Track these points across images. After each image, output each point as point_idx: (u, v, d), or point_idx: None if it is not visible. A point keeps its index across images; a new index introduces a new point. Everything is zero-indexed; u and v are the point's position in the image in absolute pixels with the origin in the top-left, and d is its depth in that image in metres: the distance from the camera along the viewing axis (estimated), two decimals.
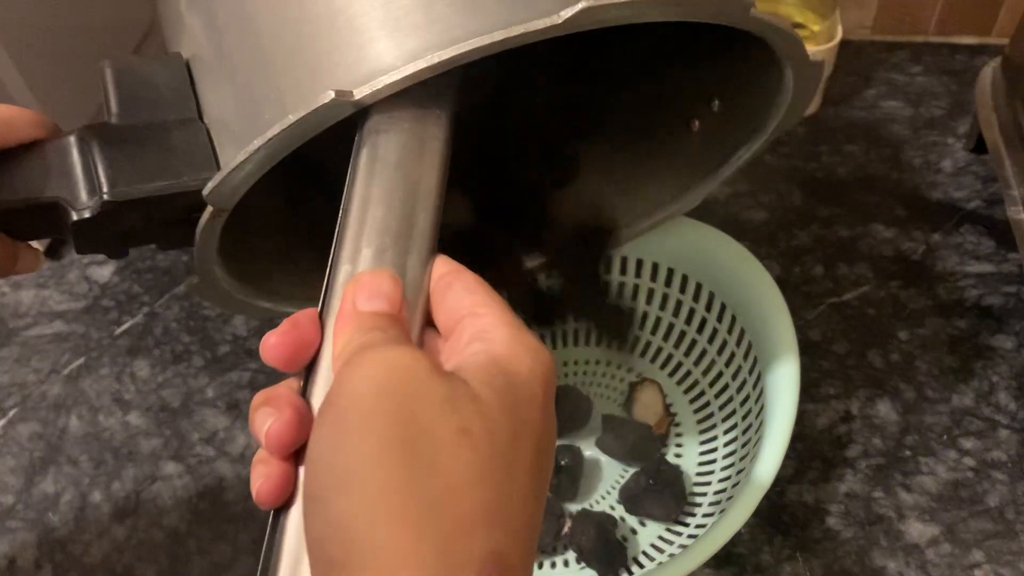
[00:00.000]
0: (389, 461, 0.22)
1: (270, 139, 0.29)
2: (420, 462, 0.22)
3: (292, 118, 0.28)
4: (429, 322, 0.28)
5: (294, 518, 0.25)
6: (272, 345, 0.27)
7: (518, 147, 0.48)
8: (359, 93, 0.28)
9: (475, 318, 0.26)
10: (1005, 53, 0.61)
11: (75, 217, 0.32)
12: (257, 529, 0.52)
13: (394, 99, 0.29)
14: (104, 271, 0.65)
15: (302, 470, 0.25)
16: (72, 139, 0.32)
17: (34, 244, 0.37)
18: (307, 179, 0.40)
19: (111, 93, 0.33)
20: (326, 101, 0.28)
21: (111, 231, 0.33)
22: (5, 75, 0.58)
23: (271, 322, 0.60)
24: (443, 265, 0.28)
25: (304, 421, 0.25)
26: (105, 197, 0.31)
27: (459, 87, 0.32)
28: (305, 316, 0.27)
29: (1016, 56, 0.59)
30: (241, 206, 0.33)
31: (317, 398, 0.26)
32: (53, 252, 0.66)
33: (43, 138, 0.33)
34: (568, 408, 0.53)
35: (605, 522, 0.48)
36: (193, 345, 0.60)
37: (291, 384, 0.27)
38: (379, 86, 0.28)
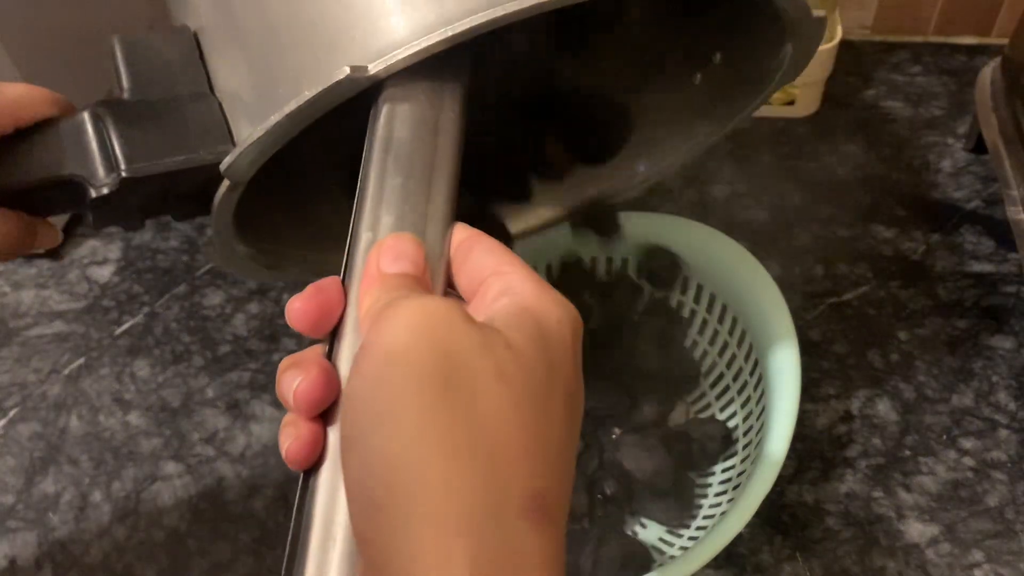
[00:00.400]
0: (429, 398, 0.22)
1: (287, 114, 0.29)
2: (460, 400, 0.23)
3: (308, 94, 0.28)
4: (450, 289, 0.29)
5: (324, 478, 0.25)
6: (297, 309, 0.27)
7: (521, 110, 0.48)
8: (374, 68, 0.28)
9: (499, 276, 0.27)
10: (1004, 53, 0.61)
11: (94, 194, 0.32)
12: (257, 529, 0.52)
13: (409, 72, 0.29)
14: (104, 271, 0.65)
15: (331, 431, 0.26)
16: (86, 115, 0.33)
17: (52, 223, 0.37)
18: (311, 147, 0.41)
19: (122, 69, 0.33)
20: (341, 77, 0.28)
21: (128, 205, 0.33)
22: (3, 72, 0.58)
23: (271, 322, 0.61)
24: (462, 231, 0.29)
25: (331, 381, 0.26)
26: (123, 173, 0.32)
27: (473, 58, 0.32)
28: (329, 281, 0.28)
29: (1016, 56, 0.60)
30: (254, 177, 0.33)
31: (344, 360, 0.27)
32: (53, 253, 0.66)
33: (57, 116, 0.33)
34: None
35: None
36: (193, 345, 0.60)
37: (316, 349, 0.27)
38: (393, 60, 0.28)
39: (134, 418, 0.57)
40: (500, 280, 0.26)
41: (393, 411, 0.22)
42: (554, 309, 0.26)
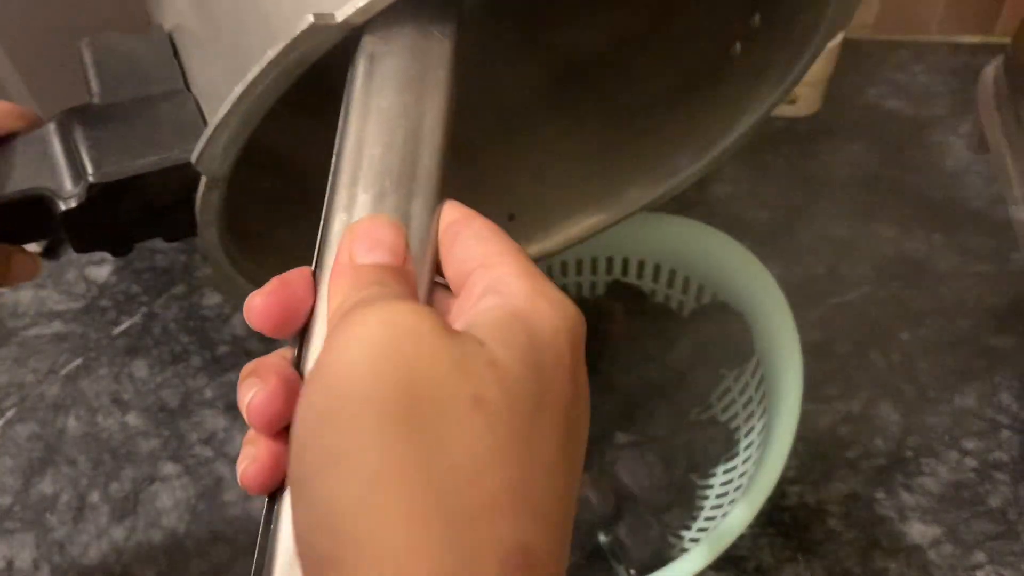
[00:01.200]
0: (388, 437, 0.19)
1: (251, 82, 0.25)
2: (426, 437, 0.19)
3: (271, 53, 0.25)
4: (439, 279, 0.25)
5: (288, 506, 0.22)
6: (257, 307, 0.23)
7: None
8: (342, 13, 0.24)
9: (488, 268, 0.23)
10: (1007, 52, 0.61)
11: (63, 207, 0.29)
12: (256, 530, 0.51)
13: (389, 19, 0.25)
14: (102, 271, 0.65)
15: None
16: (51, 126, 0.30)
17: (31, 248, 0.35)
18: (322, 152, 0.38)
19: (91, 72, 0.31)
20: (304, 27, 0.24)
21: (106, 221, 0.31)
22: (2, 72, 0.57)
23: None
24: (453, 210, 0.25)
25: (293, 393, 0.22)
26: (91, 180, 0.29)
27: (464, 4, 0.28)
28: (296, 274, 0.24)
29: (1018, 55, 0.59)
30: (247, 184, 0.30)
31: (311, 368, 0.23)
32: (51, 252, 0.66)
33: (24, 129, 0.31)
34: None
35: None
36: (192, 345, 0.60)
37: (283, 353, 0.24)
38: (363, 2, 0.24)
39: (132, 419, 0.57)
40: (488, 274, 0.23)
41: (346, 453, 0.19)
42: (548, 313, 0.22)
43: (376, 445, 0.19)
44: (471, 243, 0.24)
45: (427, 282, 0.24)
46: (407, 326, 0.20)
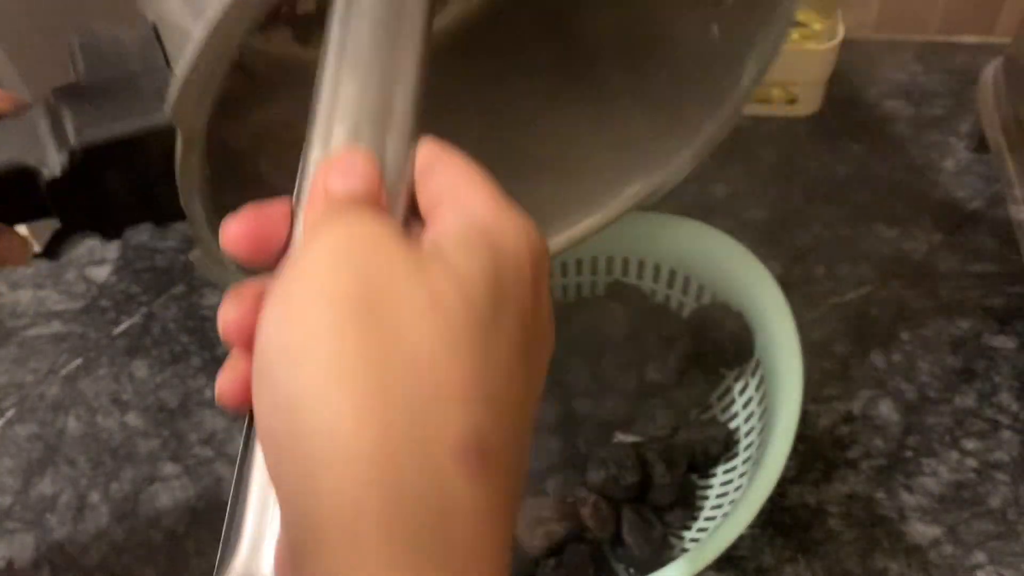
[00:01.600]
0: (345, 330, 0.20)
1: (216, 23, 0.25)
2: (382, 331, 0.20)
3: None
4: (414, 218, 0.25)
5: None
6: (232, 231, 0.23)
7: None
8: None
9: (457, 195, 0.23)
10: (1007, 52, 0.61)
11: (47, 176, 0.30)
12: None
13: None
14: (102, 271, 0.65)
15: None
16: (40, 106, 0.31)
17: (27, 237, 0.35)
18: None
19: (78, 56, 0.32)
20: None
21: (92, 193, 0.32)
22: None
23: None
24: (429, 147, 0.25)
25: None
26: (72, 145, 0.30)
27: None
28: (272, 202, 0.24)
29: (1018, 55, 0.59)
30: (232, 165, 0.31)
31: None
32: (51, 252, 0.66)
33: (11, 114, 0.32)
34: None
35: None
36: (191, 345, 0.60)
37: (264, 278, 0.24)
38: None
39: (132, 419, 0.57)
40: (456, 198, 0.23)
41: (302, 343, 0.20)
42: (511, 231, 0.22)
43: (332, 336, 0.20)
44: (443, 174, 0.24)
45: (401, 216, 0.25)
46: (367, 232, 0.21)
